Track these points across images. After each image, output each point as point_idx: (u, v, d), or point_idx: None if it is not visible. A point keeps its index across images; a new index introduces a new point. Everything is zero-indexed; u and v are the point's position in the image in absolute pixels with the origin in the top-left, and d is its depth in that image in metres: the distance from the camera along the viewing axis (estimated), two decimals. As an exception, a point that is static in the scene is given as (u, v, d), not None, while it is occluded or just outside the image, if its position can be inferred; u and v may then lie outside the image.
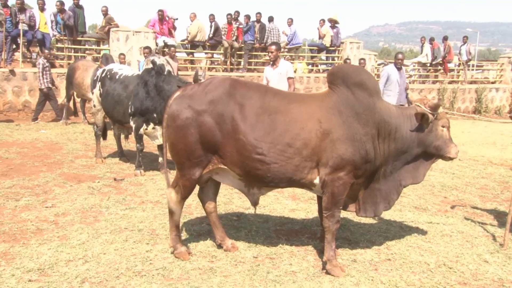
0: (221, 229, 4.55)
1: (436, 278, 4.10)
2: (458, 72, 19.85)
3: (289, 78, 7.96)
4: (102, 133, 8.39)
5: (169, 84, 6.88)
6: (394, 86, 9.65)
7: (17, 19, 12.97)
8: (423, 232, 5.19)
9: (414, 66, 20.01)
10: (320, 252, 4.39)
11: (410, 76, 19.87)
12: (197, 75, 7.23)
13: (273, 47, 8.05)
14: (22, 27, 12.99)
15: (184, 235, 4.78)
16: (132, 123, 7.31)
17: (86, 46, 14.84)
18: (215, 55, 16.30)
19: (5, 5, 12.91)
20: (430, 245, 4.84)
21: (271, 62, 8.12)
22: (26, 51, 13.88)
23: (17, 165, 7.63)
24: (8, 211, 5.43)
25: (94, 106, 8.10)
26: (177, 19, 15.63)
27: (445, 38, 19.28)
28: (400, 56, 10.00)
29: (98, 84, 7.80)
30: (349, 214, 5.32)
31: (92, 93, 8.12)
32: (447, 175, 8.00)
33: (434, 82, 19.02)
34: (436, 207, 6.25)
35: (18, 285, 3.73)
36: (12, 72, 12.94)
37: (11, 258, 4.20)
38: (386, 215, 5.57)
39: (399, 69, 9.76)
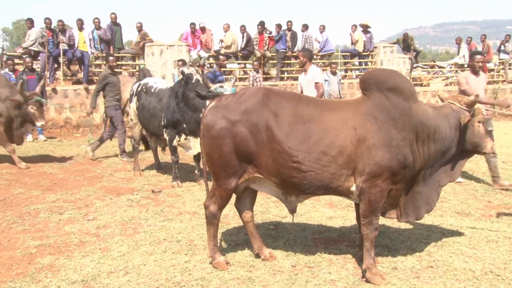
0: (258, 239, 4.54)
1: (482, 286, 3.96)
2: (498, 71, 19.26)
3: (316, 84, 7.94)
4: (145, 143, 8.56)
5: (193, 91, 6.94)
6: None
7: (58, 39, 13.45)
8: (466, 238, 5.02)
9: (450, 67, 19.59)
10: (359, 260, 4.31)
11: (447, 78, 19.47)
12: (198, 60, 7.31)
13: (301, 53, 8.17)
14: (62, 46, 13.45)
15: (222, 245, 4.80)
16: (165, 135, 7.42)
17: (123, 62, 15.21)
18: (247, 65, 16.40)
19: (49, 29, 13.44)
20: (475, 251, 4.67)
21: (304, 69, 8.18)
22: (66, 70, 14.35)
23: (60, 180, 7.85)
24: (53, 224, 5.59)
25: (131, 120, 8.27)
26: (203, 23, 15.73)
27: (483, 38, 18.77)
28: None
29: (134, 98, 7.97)
30: (388, 221, 5.21)
31: (129, 107, 8.28)
32: (490, 179, 7.73)
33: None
34: (480, 212, 6.05)
35: (63, 296, 3.84)
36: (54, 90, 13.39)
37: (57, 270, 4.31)
38: (427, 220, 5.44)
39: None
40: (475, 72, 7.15)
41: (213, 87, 6.79)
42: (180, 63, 11.87)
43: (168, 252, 4.67)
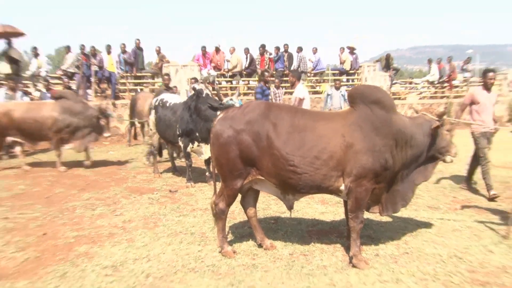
0: (260, 231, 4.54)
1: (448, 267, 4.01)
2: (462, 88, 19.39)
3: (295, 98, 7.96)
4: (158, 152, 8.56)
5: (205, 104, 6.93)
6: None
7: (90, 62, 13.53)
8: (436, 228, 5.05)
9: (423, 84, 19.70)
10: (347, 249, 4.31)
11: (421, 92, 19.51)
12: (208, 78, 7.26)
13: (290, 74, 8.28)
14: (93, 68, 13.53)
15: (229, 237, 4.79)
16: (180, 143, 7.38)
17: (143, 81, 15.26)
18: (250, 82, 16.44)
19: (84, 53, 13.53)
20: (443, 239, 4.71)
21: None
22: (97, 87, 14.41)
23: (92, 181, 7.86)
24: (87, 218, 5.61)
25: (151, 129, 8.25)
26: (219, 45, 15.68)
27: (449, 59, 18.98)
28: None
29: (153, 112, 7.95)
30: (371, 215, 5.21)
31: (149, 119, 8.31)
32: (456, 178, 7.75)
33: (441, 98, 18.60)
34: (447, 206, 6.07)
35: (98, 278, 3.87)
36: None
37: (91, 257, 4.34)
38: (404, 214, 5.44)
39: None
40: (487, 88, 6.56)
41: (224, 100, 6.82)
42: (193, 80, 11.85)
43: (184, 242, 4.67)
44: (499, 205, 6.09)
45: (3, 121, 8.50)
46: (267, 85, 9.35)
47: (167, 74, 10.14)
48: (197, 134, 7.11)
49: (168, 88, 9.35)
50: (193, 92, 7.26)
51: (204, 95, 7.04)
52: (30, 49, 13.89)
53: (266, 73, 9.42)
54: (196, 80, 11.81)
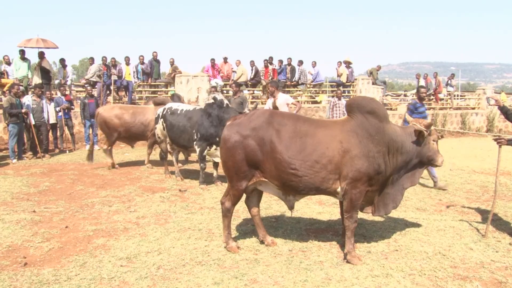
0: (263, 229, 4.50)
1: (433, 264, 3.99)
2: (447, 101, 19.42)
3: (292, 103, 7.79)
4: (165, 156, 8.42)
5: (228, 113, 6.85)
6: None
7: (110, 72, 13.58)
8: (423, 228, 5.02)
9: (412, 97, 19.73)
10: (342, 246, 4.28)
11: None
12: (256, 106, 7.28)
13: (270, 84, 8.09)
14: (113, 78, 13.59)
15: (234, 234, 4.75)
16: (196, 147, 7.20)
17: (158, 89, 15.28)
18: (255, 92, 16.44)
19: (105, 64, 13.60)
20: (429, 237, 4.69)
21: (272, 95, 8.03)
22: (115, 95, 14.43)
23: (109, 180, 7.85)
24: (104, 214, 5.60)
25: (159, 138, 7.97)
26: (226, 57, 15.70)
27: (435, 75, 19.05)
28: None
29: (161, 120, 7.70)
30: (365, 215, 5.17)
31: (155, 128, 7.99)
32: (441, 182, 7.70)
33: (428, 109, 18.57)
34: (433, 207, 6.03)
35: (114, 268, 3.86)
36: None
37: (108, 249, 4.33)
38: (394, 215, 5.40)
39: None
40: None
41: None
42: (213, 89, 11.82)
43: (192, 238, 4.65)
44: (479, 207, 6.06)
45: (115, 122, 8.82)
46: (422, 101, 7.91)
47: (236, 83, 10.17)
48: (217, 139, 6.91)
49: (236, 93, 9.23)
50: (211, 100, 7.16)
51: (224, 105, 7.03)
52: (58, 60, 13.98)
53: (422, 89, 8.07)
54: (215, 89, 11.72)
